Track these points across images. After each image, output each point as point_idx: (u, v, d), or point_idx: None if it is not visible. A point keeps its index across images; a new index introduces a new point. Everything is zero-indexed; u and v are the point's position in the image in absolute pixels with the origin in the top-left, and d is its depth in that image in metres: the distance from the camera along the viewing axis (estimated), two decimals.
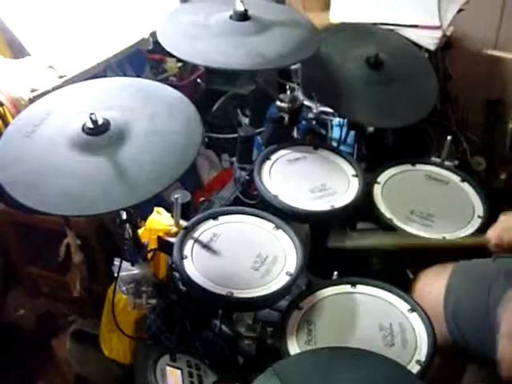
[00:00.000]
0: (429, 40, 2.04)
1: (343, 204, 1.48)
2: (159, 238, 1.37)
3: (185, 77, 2.14)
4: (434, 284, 1.42)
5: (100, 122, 1.16)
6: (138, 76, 1.94)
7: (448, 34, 2.10)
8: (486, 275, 1.35)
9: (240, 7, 1.55)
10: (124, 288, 1.35)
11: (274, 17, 1.63)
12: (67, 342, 1.88)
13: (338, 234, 1.49)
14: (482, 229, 1.51)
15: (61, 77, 1.64)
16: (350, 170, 1.59)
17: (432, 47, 2.04)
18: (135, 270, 1.33)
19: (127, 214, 1.26)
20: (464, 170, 1.71)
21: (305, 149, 1.65)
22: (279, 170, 1.57)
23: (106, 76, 1.76)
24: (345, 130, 1.81)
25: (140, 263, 1.34)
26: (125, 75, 1.88)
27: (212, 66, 1.50)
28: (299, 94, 1.80)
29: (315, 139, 1.84)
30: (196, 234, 1.36)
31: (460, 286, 1.38)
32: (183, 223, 1.36)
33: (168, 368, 1.35)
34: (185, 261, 1.29)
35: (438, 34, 2.06)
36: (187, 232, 1.35)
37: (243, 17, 1.56)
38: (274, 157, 1.60)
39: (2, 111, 1.58)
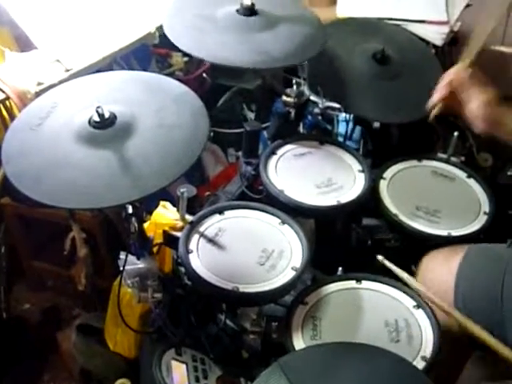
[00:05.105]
0: (436, 35, 2.03)
1: (349, 199, 1.48)
2: (165, 232, 1.37)
3: (191, 71, 2.14)
4: (443, 267, 1.39)
5: (106, 115, 1.16)
6: (144, 70, 1.94)
7: (455, 29, 2.09)
8: (501, 260, 1.32)
9: (247, 1, 1.54)
10: (129, 282, 1.34)
11: (281, 11, 1.62)
12: (72, 336, 1.88)
13: None
14: (489, 225, 1.51)
15: (67, 70, 1.64)
16: (356, 166, 1.59)
17: (439, 43, 2.03)
18: (141, 264, 1.33)
19: (133, 207, 1.26)
20: (470, 166, 1.70)
21: (311, 144, 1.64)
22: (285, 164, 1.56)
23: (111, 70, 1.76)
24: (351, 125, 1.81)
25: (145, 257, 1.34)
26: (131, 69, 1.88)
27: (218, 63, 1.50)
28: (305, 89, 1.79)
29: (321, 134, 1.83)
30: (202, 229, 1.36)
31: (473, 270, 1.35)
32: (189, 217, 1.36)
33: (173, 362, 1.35)
34: (190, 255, 1.29)
35: (445, 29, 2.05)
36: (193, 226, 1.35)
37: (250, 11, 1.56)
38: (279, 152, 1.59)
39: (8, 104, 1.59)
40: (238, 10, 1.56)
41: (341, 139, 1.81)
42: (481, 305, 1.30)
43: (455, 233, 1.47)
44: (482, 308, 1.30)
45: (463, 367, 1.49)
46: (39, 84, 1.57)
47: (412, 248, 1.57)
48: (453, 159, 1.68)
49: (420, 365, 1.17)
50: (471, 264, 1.36)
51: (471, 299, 1.32)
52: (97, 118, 1.15)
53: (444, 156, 1.69)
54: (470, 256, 1.37)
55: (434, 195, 1.58)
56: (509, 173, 1.81)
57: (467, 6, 2.13)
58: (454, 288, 1.34)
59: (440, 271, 1.39)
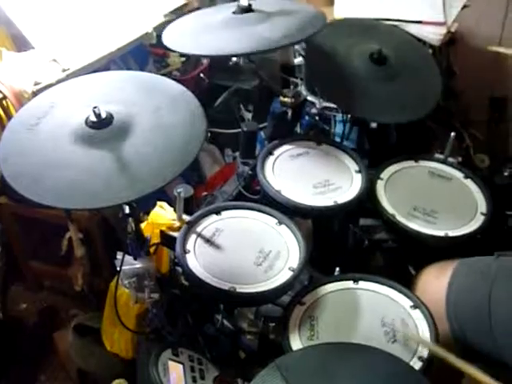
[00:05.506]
0: (433, 36, 2.03)
1: (346, 200, 1.48)
2: (162, 232, 1.37)
3: (188, 71, 2.14)
4: (436, 281, 1.42)
5: (103, 115, 1.16)
6: (141, 70, 1.94)
7: (452, 30, 2.09)
8: (488, 274, 1.35)
9: (244, 2, 1.54)
10: (126, 282, 1.34)
11: (278, 8, 1.62)
12: (69, 336, 1.88)
13: None
14: (485, 226, 1.51)
15: (64, 70, 1.64)
16: (353, 166, 1.59)
17: (436, 43, 2.04)
18: (138, 264, 1.33)
19: (130, 207, 1.25)
20: (467, 166, 1.70)
21: (308, 144, 1.64)
22: (282, 165, 1.56)
23: (109, 70, 1.75)
24: (348, 125, 1.81)
25: (142, 257, 1.34)
26: (128, 69, 1.88)
27: (218, 55, 1.49)
28: (302, 89, 1.79)
29: (318, 134, 1.84)
30: (199, 229, 1.36)
31: (462, 284, 1.38)
32: (186, 218, 1.36)
33: (170, 362, 1.35)
34: (187, 255, 1.29)
35: (443, 30, 2.05)
36: (190, 226, 1.35)
37: (247, 11, 1.56)
38: (276, 152, 1.59)
39: (5, 104, 1.58)
40: (234, 12, 1.56)
41: (338, 139, 1.81)
42: (470, 315, 1.33)
43: (452, 233, 1.48)
44: (471, 318, 1.32)
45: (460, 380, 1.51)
46: (36, 84, 1.57)
47: (409, 248, 1.57)
48: (450, 160, 1.69)
49: (417, 365, 1.18)
50: (460, 280, 1.39)
51: (461, 310, 1.34)
52: (94, 118, 1.15)
53: (441, 156, 1.69)
54: (458, 272, 1.40)
55: (431, 196, 1.58)
56: (505, 173, 1.80)
57: (464, 6, 2.13)
58: (445, 300, 1.36)
59: (433, 286, 1.42)
